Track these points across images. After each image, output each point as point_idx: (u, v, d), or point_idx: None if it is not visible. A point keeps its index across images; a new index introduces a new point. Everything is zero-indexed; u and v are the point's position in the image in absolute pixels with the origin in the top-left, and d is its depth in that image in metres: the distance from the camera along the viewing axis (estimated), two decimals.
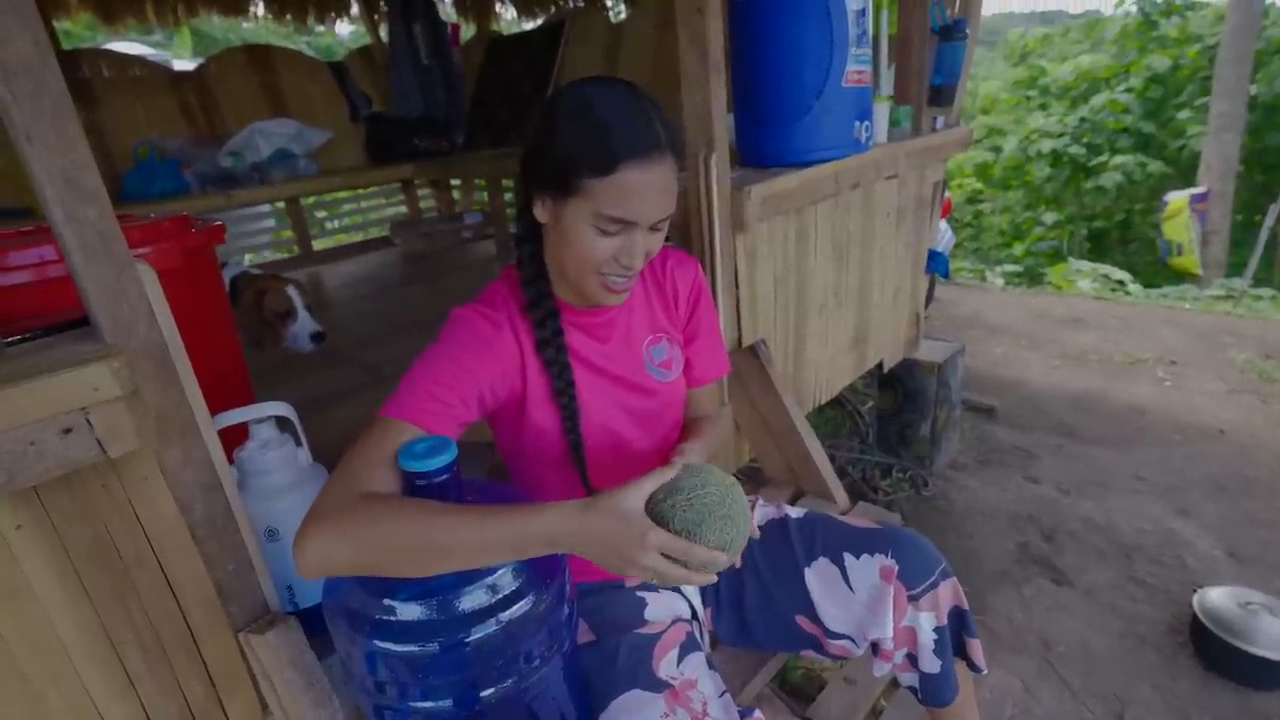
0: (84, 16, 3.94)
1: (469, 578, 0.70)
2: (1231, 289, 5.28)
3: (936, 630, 0.91)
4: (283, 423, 0.97)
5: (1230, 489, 2.30)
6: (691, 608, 1.02)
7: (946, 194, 3.25)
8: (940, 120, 2.10)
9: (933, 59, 1.97)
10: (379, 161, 3.81)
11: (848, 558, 0.94)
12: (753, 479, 1.67)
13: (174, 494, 0.71)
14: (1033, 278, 5.68)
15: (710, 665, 0.90)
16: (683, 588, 1.02)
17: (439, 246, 3.81)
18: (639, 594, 0.97)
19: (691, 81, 1.29)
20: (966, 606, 0.94)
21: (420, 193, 4.38)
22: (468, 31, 4.59)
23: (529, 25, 4.73)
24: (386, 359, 2.13)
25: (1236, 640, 1.53)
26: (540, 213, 0.80)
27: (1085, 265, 5.35)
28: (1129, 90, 9.34)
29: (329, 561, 0.66)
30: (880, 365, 2.17)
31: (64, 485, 0.65)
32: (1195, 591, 1.69)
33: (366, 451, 0.72)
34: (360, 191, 4.40)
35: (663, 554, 0.65)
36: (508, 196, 3.83)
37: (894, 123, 1.90)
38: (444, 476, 0.70)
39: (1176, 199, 8.03)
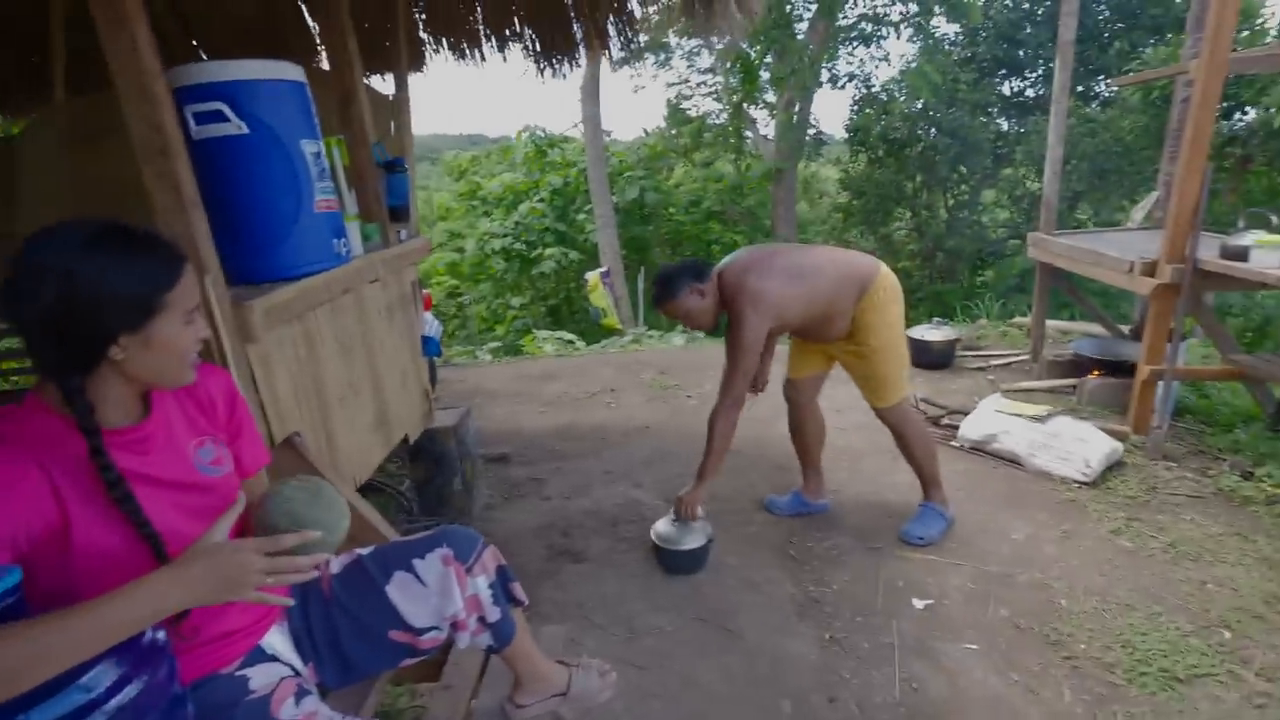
0: None
1: (61, 684, 0.73)
2: (638, 334, 7.45)
3: (490, 585, 1.26)
4: None
5: (656, 463, 3.38)
6: (294, 669, 1.14)
7: (425, 291, 3.81)
8: (404, 233, 2.57)
9: (384, 186, 2.43)
10: None
11: (415, 562, 1.22)
12: None
13: None
14: (511, 350, 6.87)
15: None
16: (279, 655, 1.13)
17: None
18: (238, 674, 1.05)
19: (169, 216, 1.39)
20: (505, 562, 1.32)
21: None
22: None
23: None
24: None
25: (672, 545, 2.35)
26: (120, 352, 0.90)
27: (545, 333, 6.77)
28: (542, 200, 12.09)
29: None
30: (406, 440, 2.48)
31: None
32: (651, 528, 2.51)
33: None
34: None
35: (268, 555, 0.82)
36: None
37: (366, 237, 2.27)
38: (11, 599, 0.72)
39: (592, 276, 10.72)
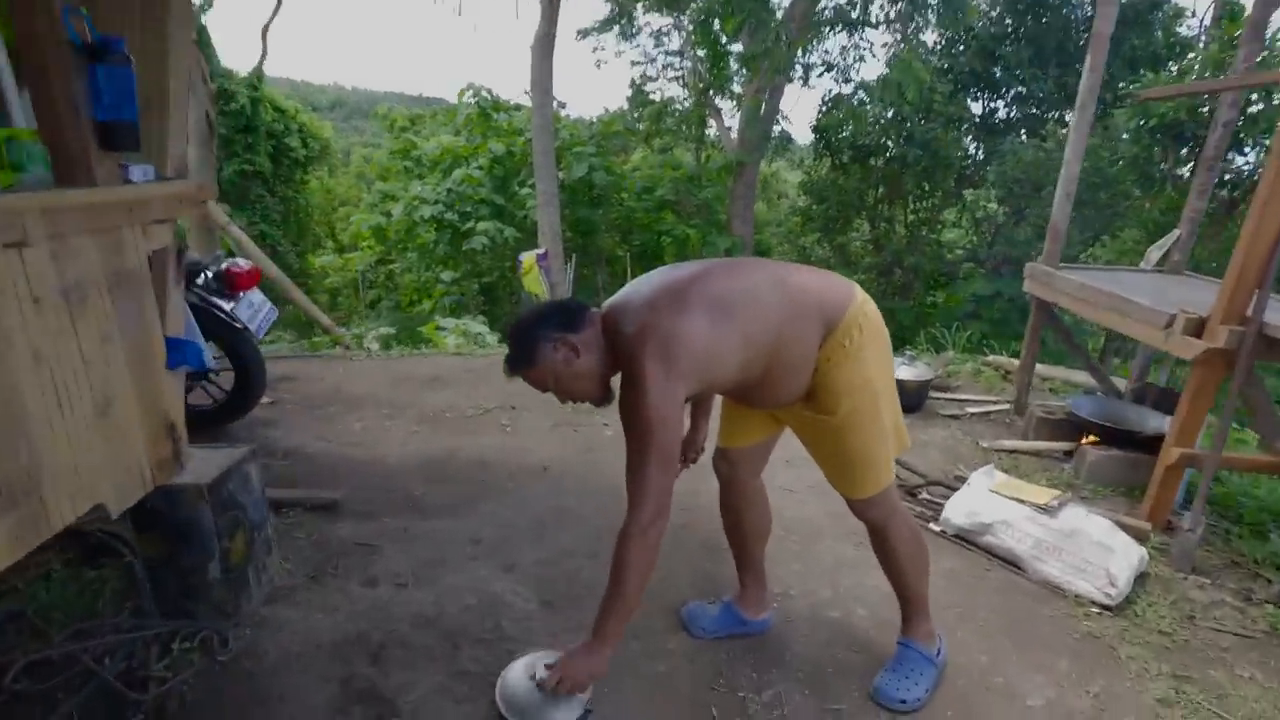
0: None
1: None
2: None
3: None
4: None
5: (549, 525, 2.48)
6: None
7: (245, 264, 2.78)
8: (136, 170, 1.58)
9: (87, 86, 1.43)
10: None
11: None
12: None
13: None
14: (414, 337, 5.83)
15: None
16: None
17: None
18: None
19: None
20: None
21: None
22: None
23: None
24: None
25: (524, 718, 1.46)
26: None
27: (452, 321, 5.75)
28: (481, 168, 10.93)
29: None
30: (104, 513, 1.50)
31: None
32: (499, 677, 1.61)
33: None
34: None
35: None
36: None
37: (16, 166, 1.29)
38: None
39: (528, 257, 9.69)
